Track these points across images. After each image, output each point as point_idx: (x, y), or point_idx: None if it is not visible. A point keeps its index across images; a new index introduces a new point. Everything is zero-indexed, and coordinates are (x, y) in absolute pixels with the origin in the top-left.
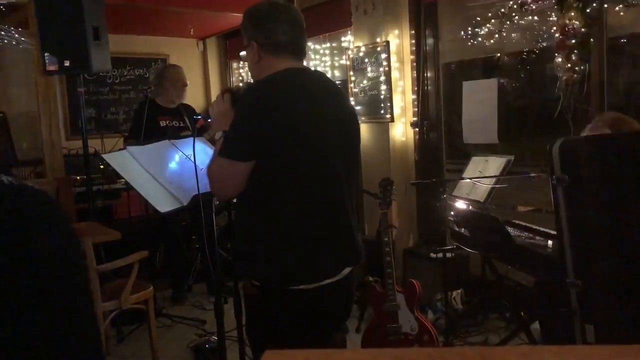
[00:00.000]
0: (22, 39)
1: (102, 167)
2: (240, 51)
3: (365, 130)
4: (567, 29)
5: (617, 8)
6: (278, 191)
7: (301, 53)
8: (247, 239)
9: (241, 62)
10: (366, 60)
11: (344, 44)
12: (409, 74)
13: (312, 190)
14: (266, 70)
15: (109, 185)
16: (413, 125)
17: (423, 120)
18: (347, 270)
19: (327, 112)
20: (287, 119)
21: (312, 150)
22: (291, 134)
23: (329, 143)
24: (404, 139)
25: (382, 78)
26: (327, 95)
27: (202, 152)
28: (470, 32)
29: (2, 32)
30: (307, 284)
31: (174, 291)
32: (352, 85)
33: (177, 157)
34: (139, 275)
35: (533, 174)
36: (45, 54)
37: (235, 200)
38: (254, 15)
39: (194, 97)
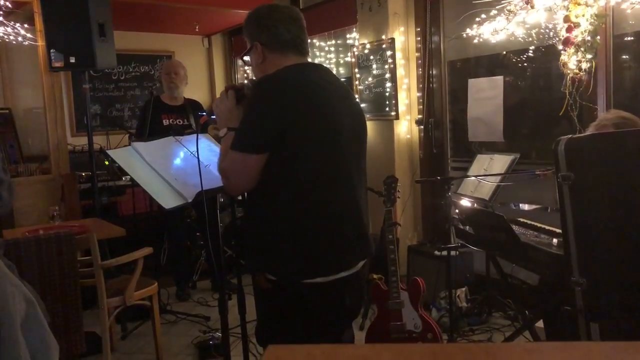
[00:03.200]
0: (28, 35)
1: (107, 163)
2: (242, 55)
3: (370, 127)
4: (573, 26)
5: (623, 5)
6: (293, 185)
7: (305, 49)
8: (261, 233)
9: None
10: (371, 57)
11: (349, 41)
12: (414, 71)
13: (326, 183)
14: (271, 68)
15: (114, 182)
16: (418, 122)
17: (428, 118)
18: (361, 263)
19: (338, 106)
20: (302, 112)
21: (327, 144)
22: (306, 128)
23: (341, 137)
24: (408, 136)
25: (387, 75)
26: (337, 90)
27: (206, 149)
28: (475, 29)
29: (8, 29)
30: (323, 276)
31: (179, 288)
32: (357, 82)
33: (181, 154)
34: (143, 271)
35: (538, 172)
36: (51, 51)
37: (240, 198)
38: (255, 17)
39: (198, 94)
